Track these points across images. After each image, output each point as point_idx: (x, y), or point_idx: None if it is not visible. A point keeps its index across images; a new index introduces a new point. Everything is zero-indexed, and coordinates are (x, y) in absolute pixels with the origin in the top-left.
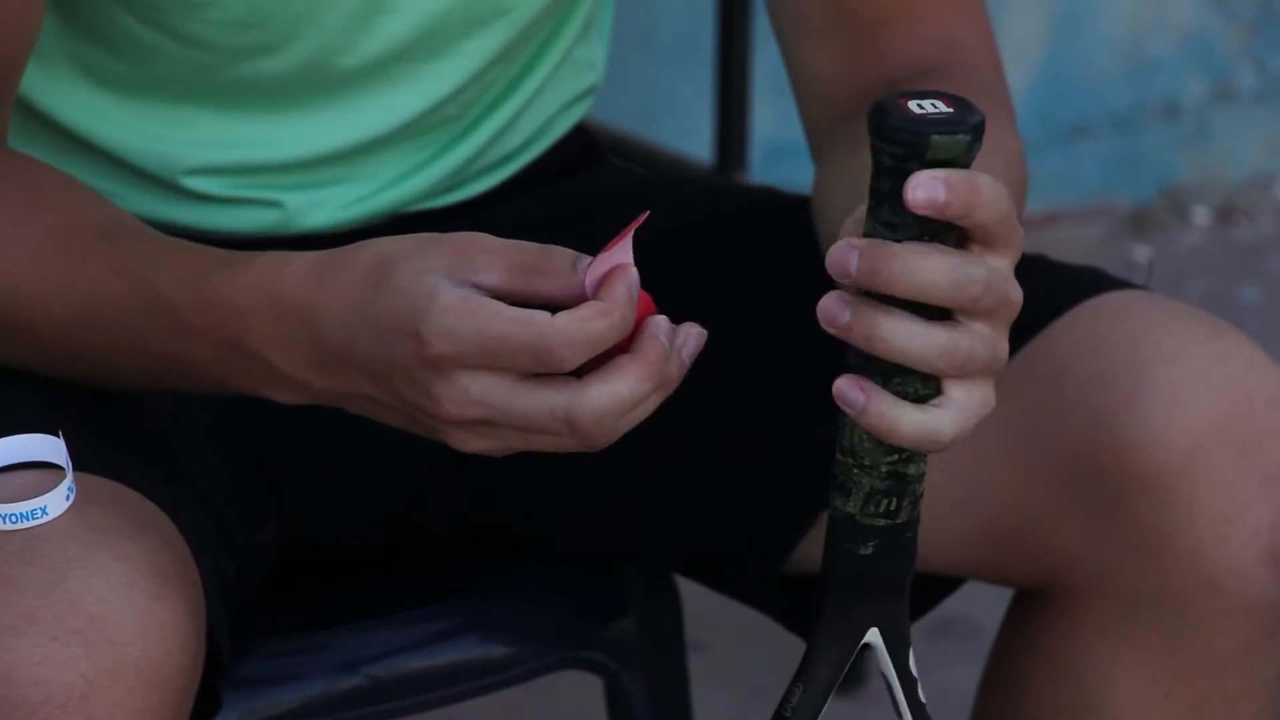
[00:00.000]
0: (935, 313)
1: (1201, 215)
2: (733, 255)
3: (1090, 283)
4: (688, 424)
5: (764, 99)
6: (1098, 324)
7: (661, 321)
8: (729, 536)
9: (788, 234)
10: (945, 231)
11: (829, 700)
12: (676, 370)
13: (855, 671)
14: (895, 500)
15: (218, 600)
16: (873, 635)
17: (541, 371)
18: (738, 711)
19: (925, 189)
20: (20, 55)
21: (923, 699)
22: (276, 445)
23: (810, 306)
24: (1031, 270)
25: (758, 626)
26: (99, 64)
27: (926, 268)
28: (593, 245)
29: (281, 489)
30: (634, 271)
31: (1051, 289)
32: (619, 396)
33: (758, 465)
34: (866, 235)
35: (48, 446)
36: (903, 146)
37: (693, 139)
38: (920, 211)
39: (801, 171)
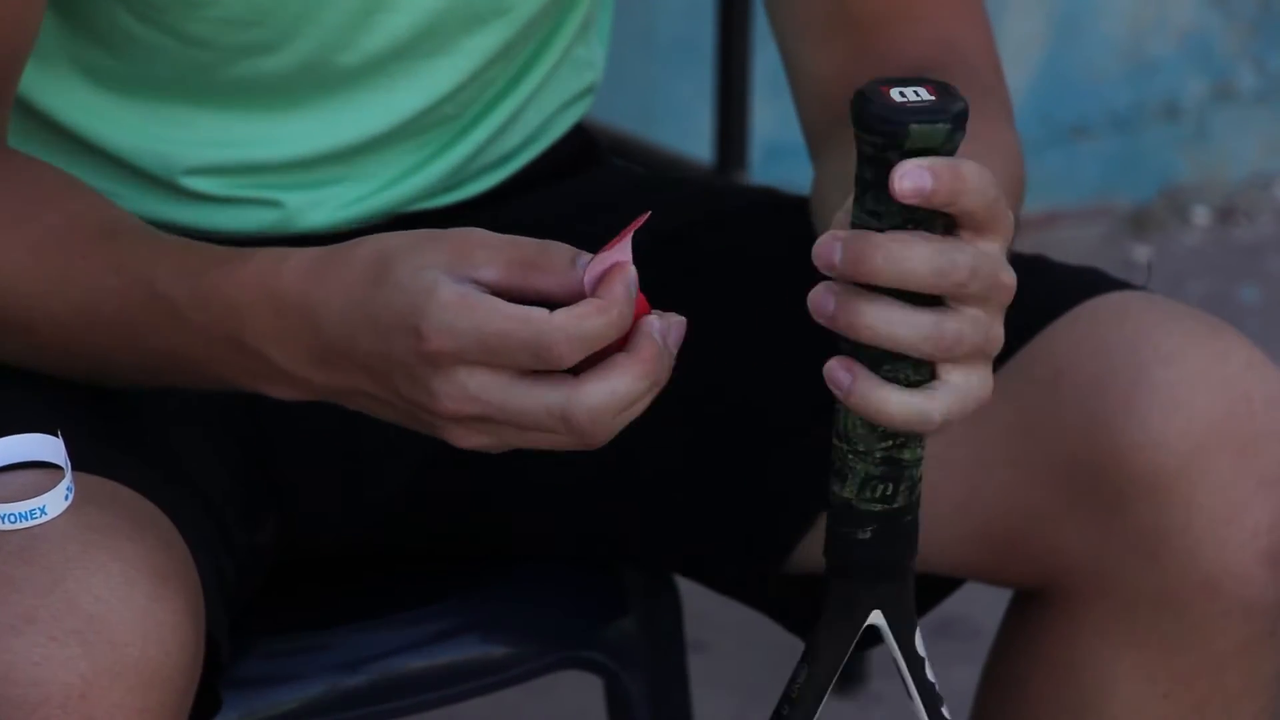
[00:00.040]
0: (925, 299)
1: (1201, 215)
2: (732, 255)
3: (1089, 283)
4: (688, 424)
5: (764, 99)
6: (1096, 325)
7: (656, 321)
8: (729, 536)
9: (787, 234)
10: (931, 219)
11: (833, 681)
12: (668, 365)
13: (855, 671)
14: (891, 485)
15: (217, 600)
16: (876, 616)
17: (539, 368)
18: (738, 711)
19: (910, 178)
20: (20, 54)
21: (931, 678)
22: (276, 445)
23: None
24: (1031, 271)
25: (758, 626)
26: (98, 63)
27: (909, 256)
28: (592, 245)
29: (281, 489)
30: (633, 270)
31: (1050, 290)
32: (615, 394)
33: (758, 465)
34: (854, 225)
35: (47, 446)
36: (882, 136)
37: (693, 139)
38: (906, 200)
39: (801, 171)
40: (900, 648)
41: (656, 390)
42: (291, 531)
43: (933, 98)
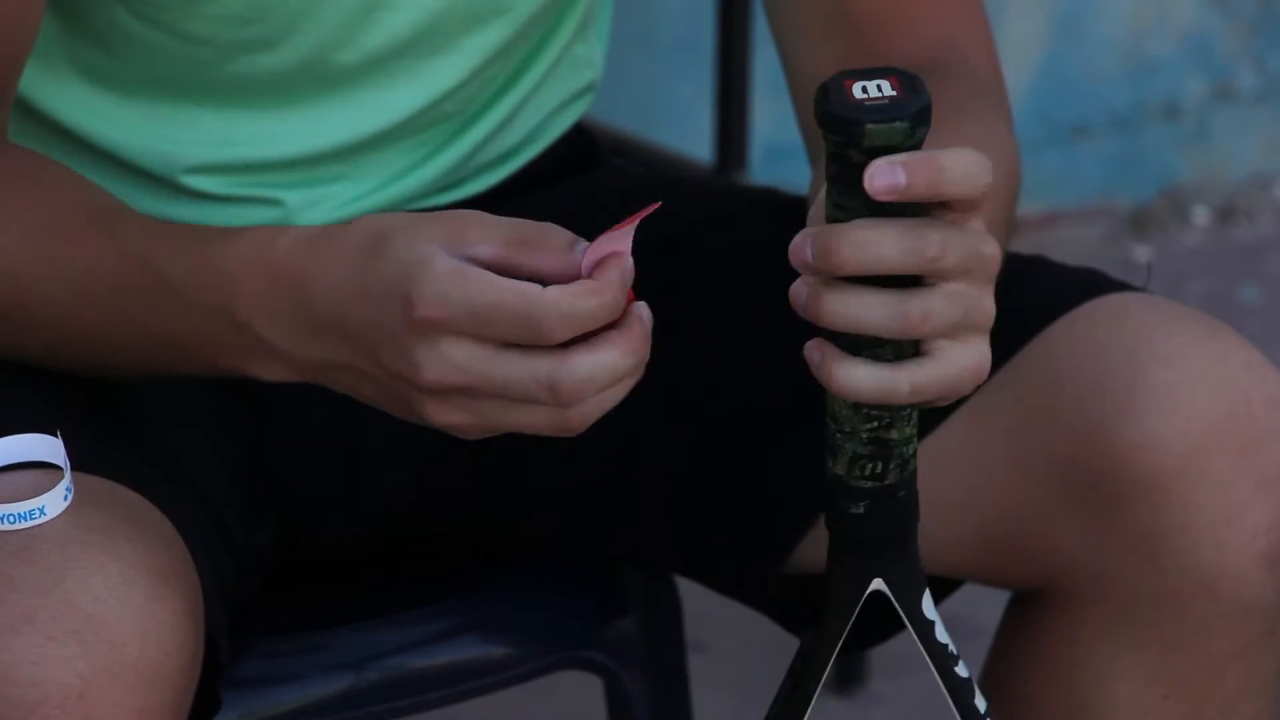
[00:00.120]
0: (906, 281)
1: (1201, 215)
2: (732, 256)
3: (1089, 284)
4: (688, 424)
5: (764, 99)
6: (1095, 326)
7: (644, 306)
8: (729, 536)
9: (787, 234)
10: (901, 207)
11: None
12: (648, 353)
13: (855, 671)
14: (880, 464)
15: (216, 600)
16: (878, 584)
17: (526, 343)
18: (738, 711)
19: (882, 176)
20: (21, 52)
21: (942, 640)
22: (276, 445)
23: None
24: (1030, 271)
25: (758, 626)
26: (97, 63)
27: (875, 240)
28: None
29: (281, 489)
30: (630, 261)
31: (1050, 291)
32: (603, 366)
33: (758, 465)
34: (827, 219)
35: (46, 446)
36: (840, 134)
37: (693, 139)
38: (881, 198)
39: (801, 171)
40: (906, 612)
41: (638, 375)
42: (291, 531)
43: (894, 93)
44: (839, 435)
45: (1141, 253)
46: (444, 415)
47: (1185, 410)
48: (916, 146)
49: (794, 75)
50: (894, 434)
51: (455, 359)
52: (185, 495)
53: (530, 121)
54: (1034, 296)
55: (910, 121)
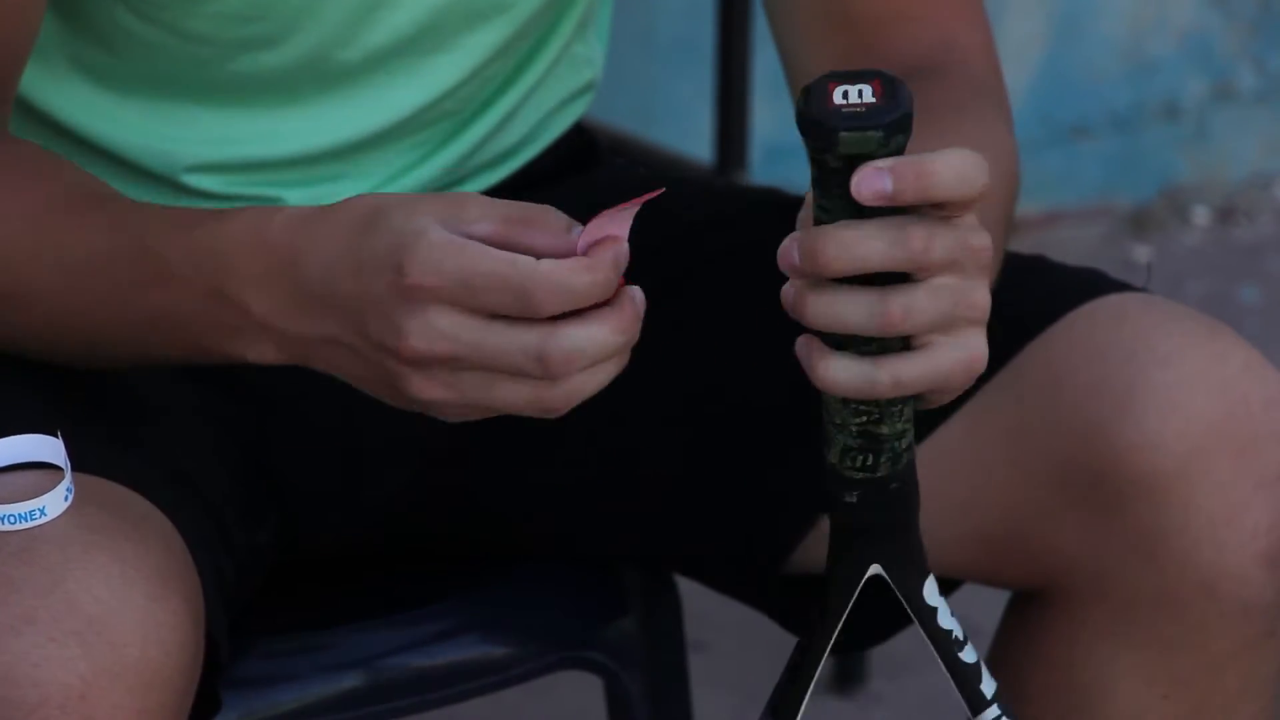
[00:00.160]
0: (895, 278)
1: (1201, 215)
2: (732, 256)
3: (1089, 285)
4: (688, 424)
5: (764, 99)
6: (1095, 327)
7: (637, 290)
8: (729, 536)
9: (787, 235)
10: (884, 208)
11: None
12: (637, 335)
13: (855, 671)
14: (870, 456)
15: (217, 600)
16: (876, 569)
17: (515, 314)
18: (738, 711)
19: (869, 183)
20: (22, 49)
21: (945, 625)
22: (276, 445)
23: None
24: (1030, 272)
25: (758, 626)
26: (98, 61)
27: (858, 240)
28: None
29: (281, 489)
30: (626, 246)
31: (1050, 291)
32: (593, 340)
33: (758, 465)
34: (814, 221)
35: (46, 447)
36: (815, 140)
37: (693, 139)
38: (869, 204)
39: (801, 171)
40: (905, 597)
41: (624, 358)
42: (291, 531)
43: (874, 100)
44: (831, 426)
45: (1141, 253)
46: (426, 390)
47: (1184, 411)
48: (898, 152)
49: (794, 74)
50: (884, 429)
51: (442, 327)
52: (185, 495)
53: (530, 120)
54: (1034, 297)
55: (884, 131)
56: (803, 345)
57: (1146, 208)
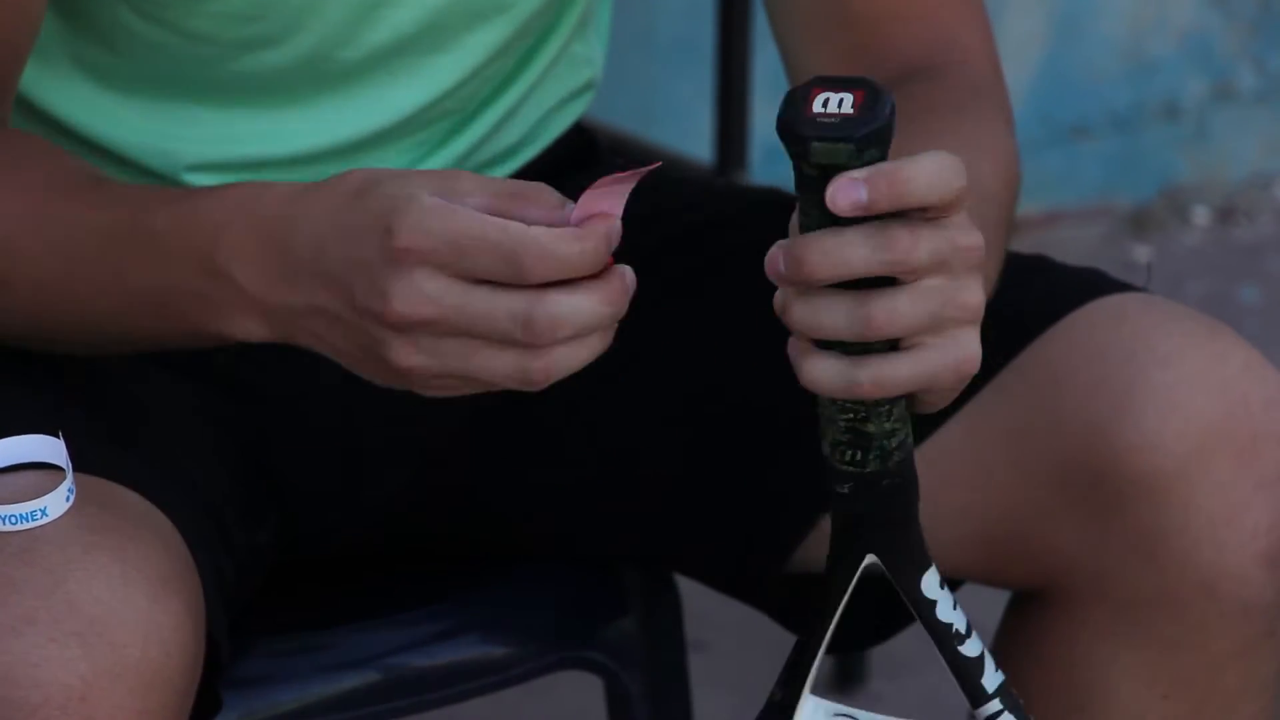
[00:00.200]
0: (883, 282)
1: (1201, 215)
2: (732, 256)
3: (1089, 285)
4: (688, 424)
5: (764, 99)
6: (1095, 327)
7: (627, 268)
8: (729, 536)
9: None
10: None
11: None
12: (624, 309)
13: (855, 671)
14: (859, 452)
15: (217, 600)
16: (871, 559)
17: (503, 280)
18: (738, 711)
19: (844, 193)
20: (23, 46)
21: (945, 619)
22: (276, 445)
23: None
24: (1031, 271)
25: (758, 626)
26: (99, 61)
27: (841, 247)
28: None
29: (281, 489)
30: (619, 223)
31: (1050, 291)
32: (579, 308)
33: (758, 465)
34: (799, 226)
35: (48, 447)
36: (790, 146)
37: (693, 139)
38: (846, 215)
39: None
40: (902, 588)
41: (609, 336)
42: (291, 531)
43: (851, 111)
44: (823, 421)
45: (1141, 253)
46: (406, 357)
47: (1184, 411)
48: (882, 158)
49: (795, 74)
50: (870, 427)
51: (428, 290)
52: (185, 495)
53: (529, 119)
54: (1034, 298)
55: (855, 145)
56: (793, 344)
57: (1146, 208)
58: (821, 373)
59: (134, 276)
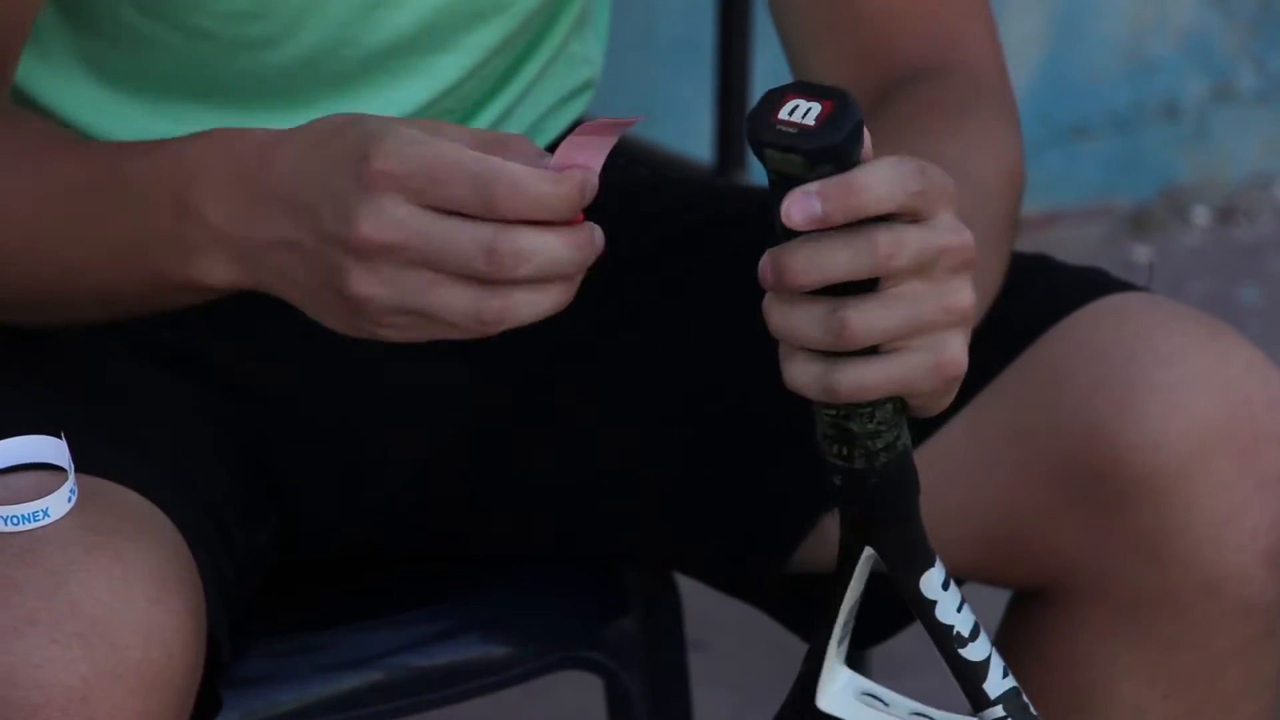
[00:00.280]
0: (866, 286)
1: (1201, 215)
2: (733, 256)
3: (1091, 284)
4: (688, 424)
5: None
6: (1096, 327)
7: (596, 226)
8: (729, 536)
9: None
10: None
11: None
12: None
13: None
14: (845, 448)
15: (217, 600)
16: (869, 552)
17: (473, 212)
18: (738, 711)
19: (798, 207)
20: (22, 27)
21: (946, 620)
22: (276, 445)
23: None
24: (1033, 271)
25: (758, 626)
26: (101, 59)
27: (821, 253)
28: None
29: (281, 489)
30: (595, 177)
31: (1052, 291)
32: (545, 246)
33: (758, 465)
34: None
35: (49, 448)
36: (753, 148)
37: (693, 139)
38: (801, 229)
39: None
40: (900, 585)
41: (570, 291)
42: (291, 531)
43: (813, 122)
44: (813, 415)
45: (1141, 253)
46: (365, 285)
47: (1186, 411)
48: (843, 169)
49: (800, 74)
50: (853, 426)
51: (395, 214)
52: (186, 496)
53: (527, 118)
54: (1036, 297)
55: (807, 157)
56: (781, 344)
57: (1146, 208)
58: (801, 374)
59: (110, 224)
